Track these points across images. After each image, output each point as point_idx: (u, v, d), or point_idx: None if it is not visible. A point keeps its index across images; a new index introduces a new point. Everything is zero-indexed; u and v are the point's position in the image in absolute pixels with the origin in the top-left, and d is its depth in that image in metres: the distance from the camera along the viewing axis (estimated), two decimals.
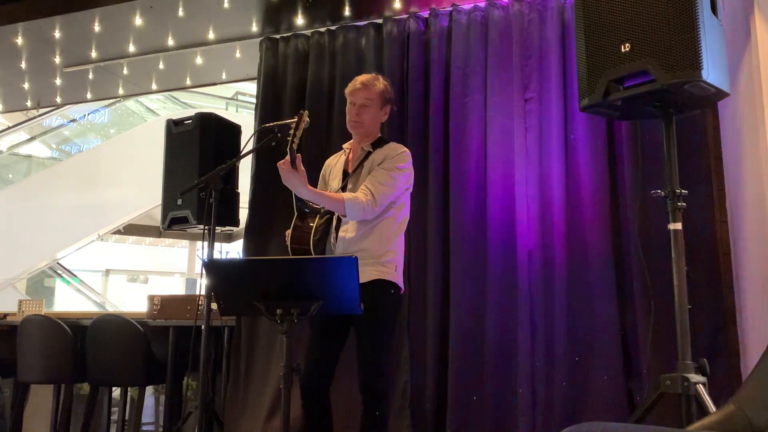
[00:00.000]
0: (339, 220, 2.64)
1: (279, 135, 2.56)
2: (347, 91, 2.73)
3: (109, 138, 10.35)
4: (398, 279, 2.64)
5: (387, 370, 2.58)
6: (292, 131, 2.46)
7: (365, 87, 2.68)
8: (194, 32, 4.35)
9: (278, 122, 2.63)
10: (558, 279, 3.26)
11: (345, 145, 2.84)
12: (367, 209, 2.51)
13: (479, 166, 3.50)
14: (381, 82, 2.72)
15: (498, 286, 3.34)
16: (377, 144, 2.73)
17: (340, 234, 2.61)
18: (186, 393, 4.02)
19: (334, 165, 2.83)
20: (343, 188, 2.67)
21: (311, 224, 2.61)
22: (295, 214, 2.65)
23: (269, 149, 2.93)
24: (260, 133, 2.72)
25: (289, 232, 2.68)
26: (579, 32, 2.49)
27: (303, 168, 2.47)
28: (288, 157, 2.44)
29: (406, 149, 2.70)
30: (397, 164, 2.62)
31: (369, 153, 2.71)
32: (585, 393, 3.14)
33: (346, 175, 2.73)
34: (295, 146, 2.45)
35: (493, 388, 3.26)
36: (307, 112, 2.52)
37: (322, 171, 2.88)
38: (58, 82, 5.14)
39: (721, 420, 1.74)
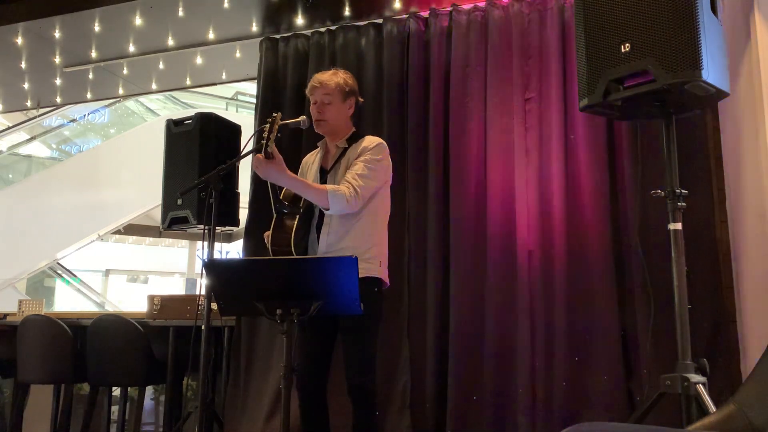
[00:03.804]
0: (320, 220, 2.63)
1: (279, 135, 2.56)
2: (307, 91, 2.73)
3: (109, 138, 10.34)
4: (383, 273, 2.63)
5: (375, 368, 2.57)
6: (266, 133, 2.47)
7: (322, 85, 2.67)
8: (194, 32, 4.35)
9: (280, 122, 2.62)
10: (558, 279, 3.26)
11: (320, 143, 2.84)
12: (351, 201, 2.49)
13: (479, 166, 3.50)
14: (339, 76, 2.70)
15: (498, 286, 3.34)
16: (352, 139, 2.72)
17: (322, 233, 2.60)
18: (186, 393, 4.02)
19: (312, 163, 2.83)
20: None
21: (290, 225, 2.61)
22: (274, 215, 2.65)
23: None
24: (260, 133, 2.72)
25: (268, 234, 2.68)
26: (579, 32, 2.49)
27: (280, 156, 2.47)
28: (262, 154, 2.45)
29: (382, 141, 2.69)
30: (375, 156, 2.61)
31: (345, 149, 2.70)
32: (585, 393, 3.14)
33: (323, 172, 2.72)
34: (270, 149, 2.45)
35: (493, 388, 3.26)
36: (279, 114, 2.52)
37: (300, 169, 2.87)
38: (58, 82, 5.14)
39: (721, 420, 1.74)
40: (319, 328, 2.61)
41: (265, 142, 2.45)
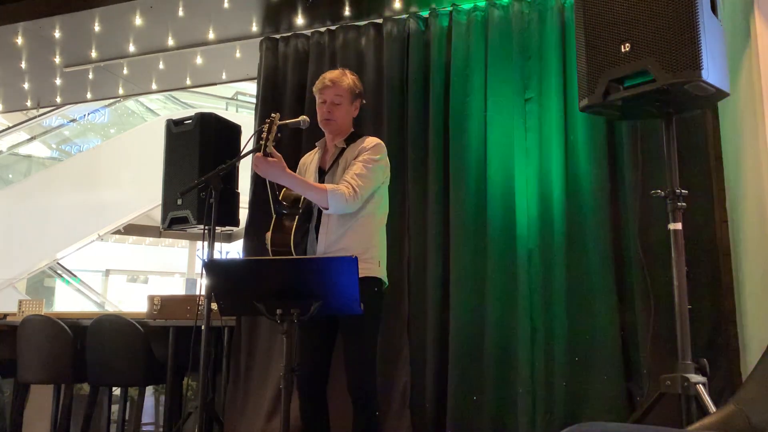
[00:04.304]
0: (318, 220, 2.64)
1: (279, 135, 2.57)
2: (316, 88, 2.72)
3: (109, 138, 10.35)
4: (382, 273, 2.65)
5: (375, 368, 2.58)
6: (264, 134, 2.47)
7: (334, 84, 2.67)
8: (194, 32, 4.35)
9: (279, 122, 2.63)
10: (558, 279, 3.26)
11: (318, 143, 2.84)
12: (350, 201, 2.51)
13: (479, 166, 3.50)
14: (349, 78, 2.72)
15: (498, 286, 3.34)
16: (350, 139, 2.73)
17: (321, 233, 2.61)
18: (186, 393, 4.02)
19: (309, 163, 2.84)
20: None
21: (290, 225, 2.62)
22: (274, 216, 2.65)
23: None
24: (259, 134, 2.72)
25: (268, 235, 2.68)
26: (579, 32, 2.49)
27: (278, 154, 2.48)
28: (260, 153, 2.45)
29: (380, 141, 2.71)
30: (373, 156, 2.63)
31: (343, 149, 2.71)
32: (585, 393, 3.14)
33: (321, 172, 2.73)
34: (270, 150, 2.45)
35: (493, 388, 3.26)
36: (278, 115, 2.52)
37: (298, 169, 2.87)
38: (58, 82, 5.14)
39: (721, 420, 1.74)
40: (319, 329, 2.61)
41: (264, 142, 2.45)
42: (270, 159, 2.45)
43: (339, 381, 2.75)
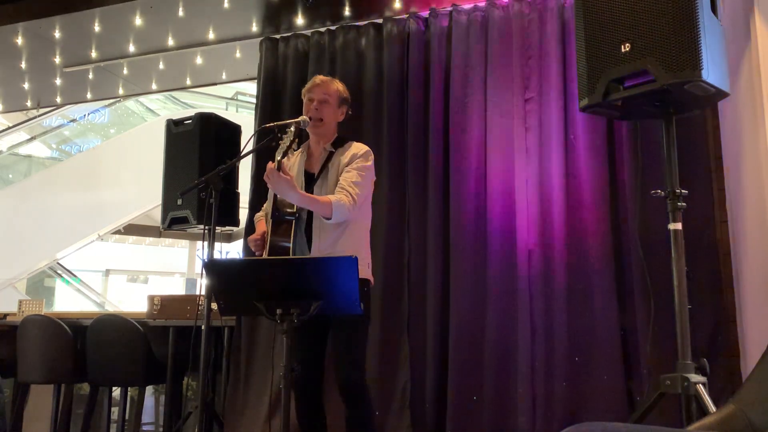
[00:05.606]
0: (308, 223, 2.66)
1: (278, 134, 2.58)
2: (305, 89, 2.78)
3: (109, 138, 10.35)
4: (369, 274, 2.71)
5: (364, 367, 2.63)
6: (283, 144, 2.49)
7: (323, 83, 2.74)
8: (194, 32, 4.35)
9: (278, 122, 2.64)
10: (558, 279, 3.26)
11: (302, 146, 2.86)
12: (350, 210, 2.57)
13: (479, 166, 3.50)
14: (337, 83, 2.80)
15: (498, 286, 3.34)
16: (337, 143, 2.76)
17: (314, 236, 2.64)
18: (186, 393, 4.02)
19: (293, 165, 2.85)
20: (311, 190, 2.70)
21: (287, 229, 2.64)
22: (271, 222, 2.67)
23: (269, 149, 2.93)
24: (260, 134, 2.73)
25: (252, 238, 2.70)
26: (579, 32, 2.50)
27: (290, 173, 2.52)
28: (274, 164, 2.47)
29: (368, 148, 2.76)
30: (365, 163, 2.69)
31: (331, 153, 2.74)
32: (585, 393, 3.14)
33: (310, 176, 2.75)
34: (285, 160, 2.48)
35: (492, 388, 3.26)
36: (295, 128, 2.55)
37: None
38: (58, 82, 5.14)
39: (721, 420, 1.74)
40: (312, 330, 2.63)
41: (285, 149, 2.47)
42: (282, 174, 2.46)
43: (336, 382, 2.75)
